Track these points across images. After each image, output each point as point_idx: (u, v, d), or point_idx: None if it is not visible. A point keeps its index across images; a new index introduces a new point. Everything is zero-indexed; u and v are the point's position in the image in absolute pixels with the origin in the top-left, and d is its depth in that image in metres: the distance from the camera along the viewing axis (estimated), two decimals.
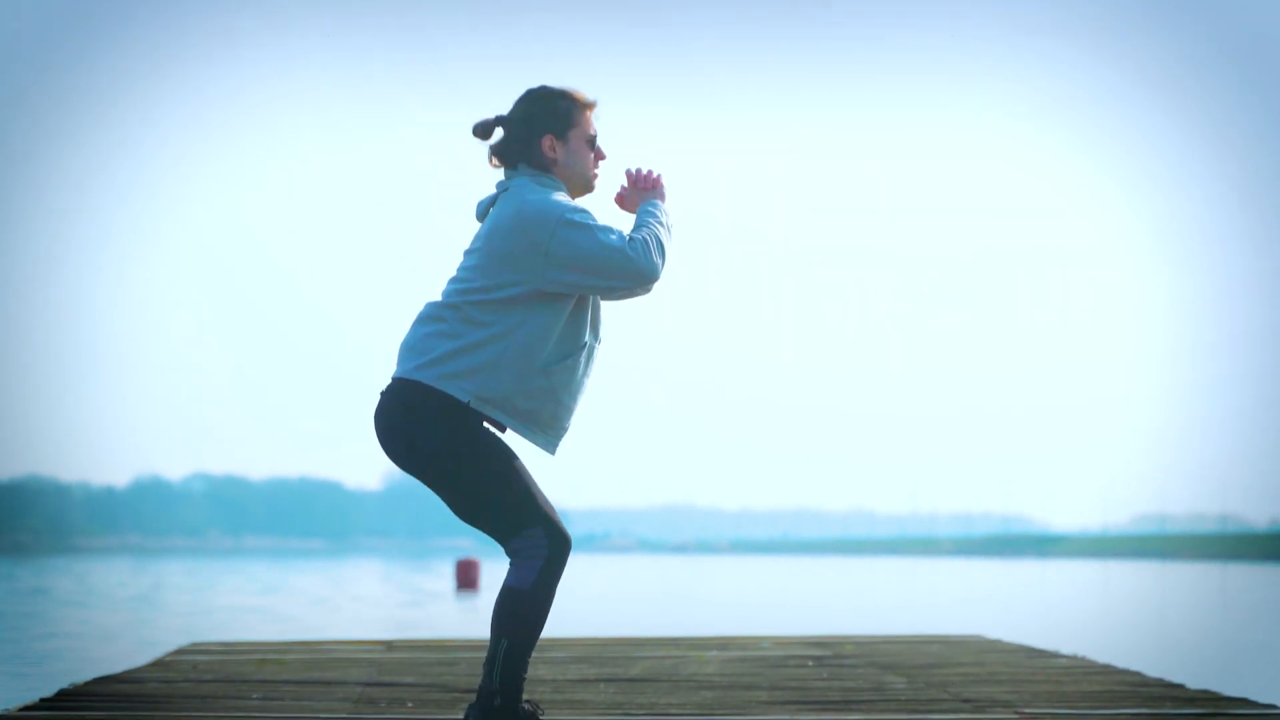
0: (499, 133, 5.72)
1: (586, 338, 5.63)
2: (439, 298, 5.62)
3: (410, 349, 5.58)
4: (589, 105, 5.72)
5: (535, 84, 5.73)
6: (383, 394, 5.60)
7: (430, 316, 5.59)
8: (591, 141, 5.72)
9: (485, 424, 5.56)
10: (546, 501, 5.57)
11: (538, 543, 5.52)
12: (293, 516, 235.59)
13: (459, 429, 5.48)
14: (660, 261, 5.54)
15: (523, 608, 5.51)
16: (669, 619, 26.26)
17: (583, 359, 5.62)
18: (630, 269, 5.48)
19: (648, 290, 5.62)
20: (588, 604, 32.54)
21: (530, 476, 5.58)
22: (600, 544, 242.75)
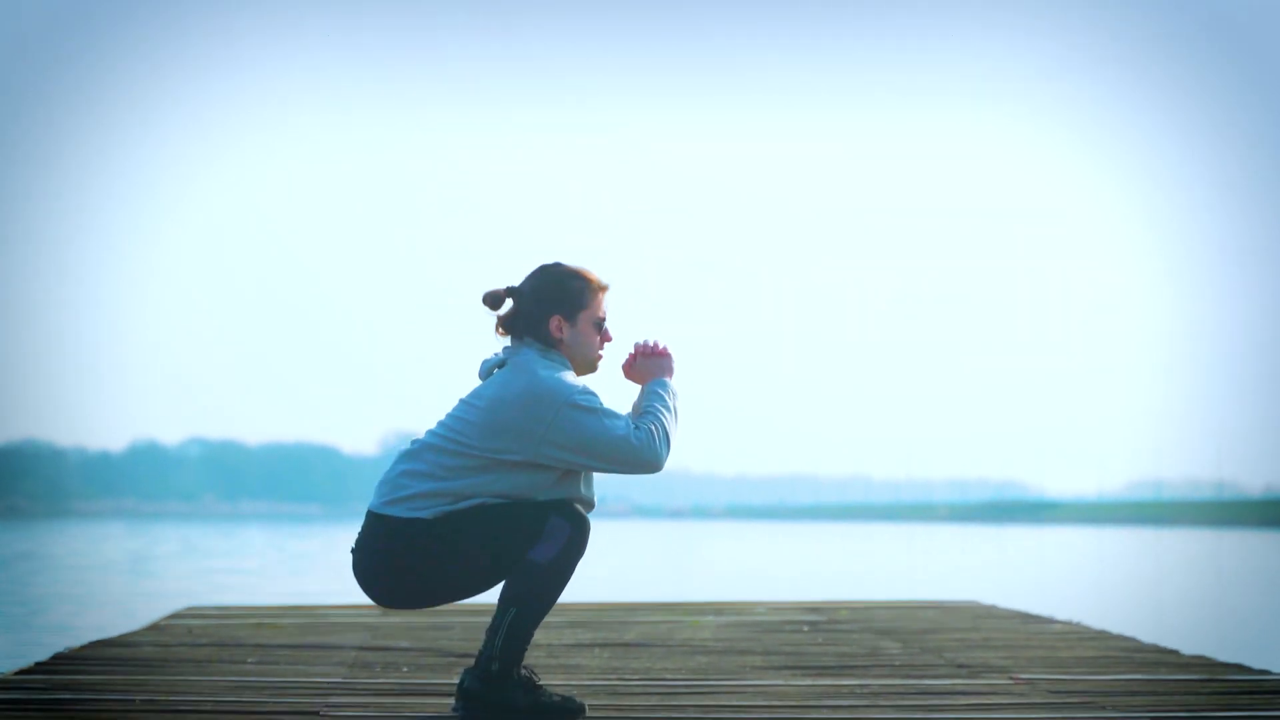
0: (508, 304, 5.68)
1: (583, 492, 5.61)
2: (423, 436, 5.60)
3: (385, 484, 5.58)
4: (601, 288, 5.67)
5: (550, 261, 5.68)
6: (356, 542, 5.59)
7: (411, 454, 5.56)
8: (599, 325, 5.67)
9: None
10: (551, 495, 5.54)
11: (560, 528, 5.52)
12: (289, 481, 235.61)
13: (431, 534, 5.46)
14: (664, 451, 5.52)
15: (538, 580, 5.50)
16: (664, 584, 26.29)
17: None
18: (634, 459, 5.47)
19: (644, 473, 5.61)
20: (583, 569, 32.49)
21: (515, 496, 5.55)
22: (595, 509, 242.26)
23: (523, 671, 5.57)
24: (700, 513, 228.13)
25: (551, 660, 7.44)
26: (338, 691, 6.35)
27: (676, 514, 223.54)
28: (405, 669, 7.15)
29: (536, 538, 5.49)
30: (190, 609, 10.89)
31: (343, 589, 24.10)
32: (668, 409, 5.61)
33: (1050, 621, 9.76)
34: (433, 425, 5.61)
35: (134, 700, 6.03)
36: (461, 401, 5.60)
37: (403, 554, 5.47)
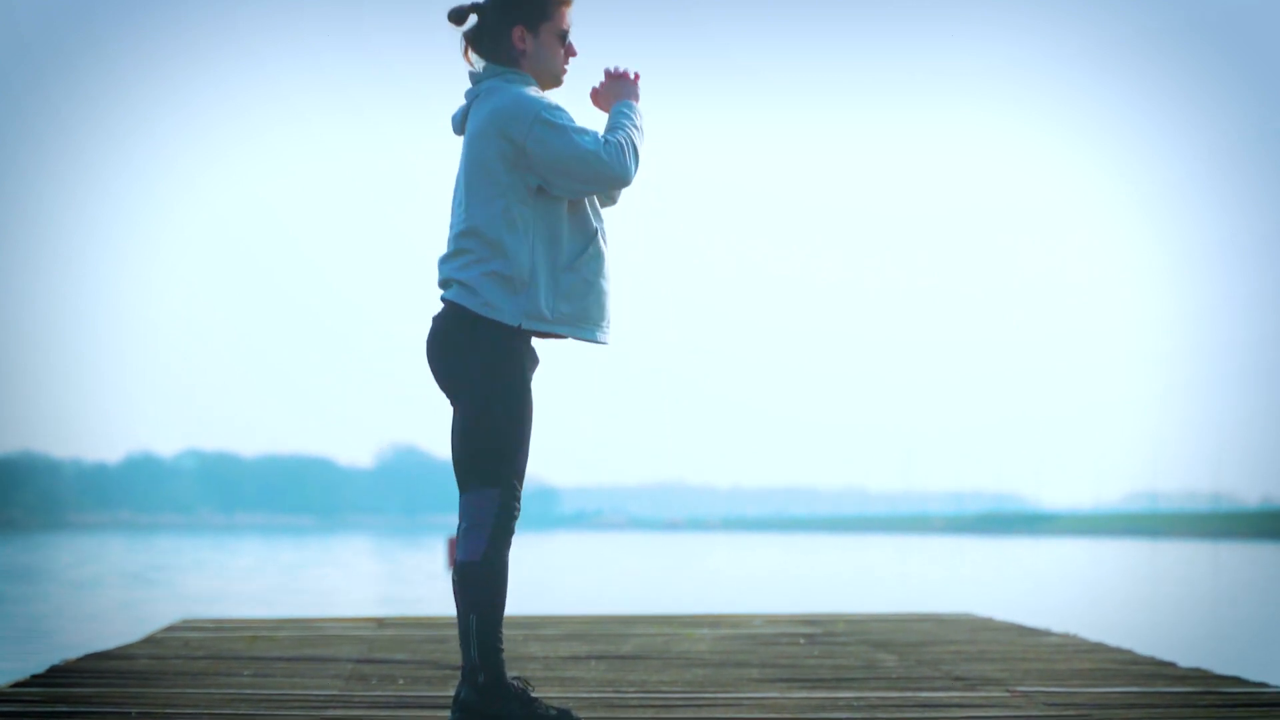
0: (472, 19, 5.68)
1: (594, 223, 5.62)
2: (453, 221, 5.61)
3: (449, 276, 5.56)
4: (565, 1, 5.67)
5: None
6: (435, 319, 5.59)
7: (455, 246, 5.55)
8: (563, 37, 5.66)
9: (535, 342, 5.58)
10: (521, 469, 5.57)
11: (486, 508, 5.52)
12: (284, 493, 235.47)
13: (505, 360, 5.49)
14: (633, 165, 5.52)
15: (479, 579, 5.51)
16: (660, 597, 26.29)
17: (600, 243, 5.62)
18: (604, 173, 5.46)
19: (618, 191, 5.63)
20: (579, 582, 32.56)
21: (528, 437, 5.59)
22: (592, 521, 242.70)
23: (516, 682, 5.56)
24: (696, 525, 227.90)
25: (548, 673, 7.43)
26: (334, 704, 6.35)
27: (673, 526, 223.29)
28: (402, 681, 7.14)
29: (483, 477, 5.50)
30: (186, 621, 10.88)
31: (338, 602, 24.09)
32: (635, 127, 5.60)
33: (1047, 634, 9.75)
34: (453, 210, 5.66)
35: (130, 713, 6.03)
36: (460, 171, 5.62)
37: (472, 353, 5.50)
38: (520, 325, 5.48)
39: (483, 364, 5.50)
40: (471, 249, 5.52)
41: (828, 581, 34.84)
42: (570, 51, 5.69)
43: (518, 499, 5.56)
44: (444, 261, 5.60)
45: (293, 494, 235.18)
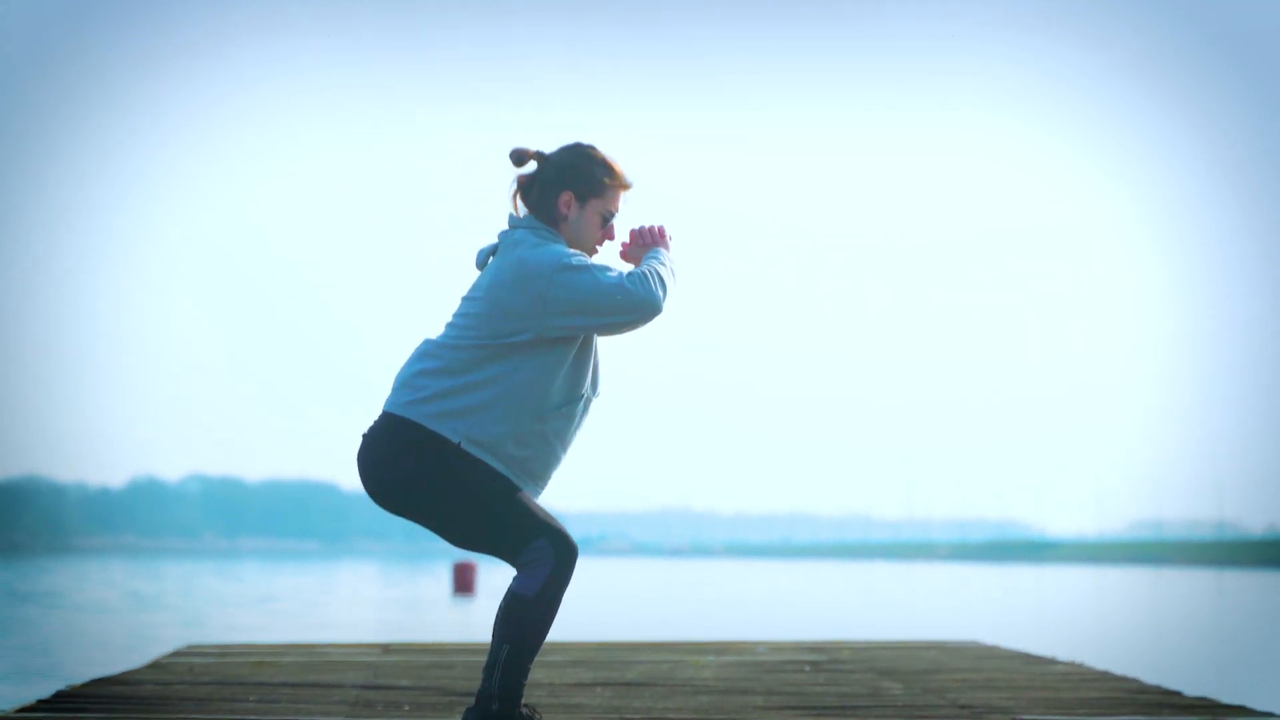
0: (531, 166, 5.69)
1: (586, 389, 5.60)
2: (436, 336, 5.59)
3: (403, 385, 5.53)
4: (624, 186, 5.66)
5: (590, 141, 5.67)
6: (368, 431, 5.56)
7: (426, 354, 5.53)
8: (607, 218, 5.66)
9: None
10: (547, 514, 5.54)
11: (544, 553, 5.49)
12: (288, 518, 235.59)
13: (448, 466, 5.44)
14: (661, 292, 5.47)
15: (526, 614, 5.48)
16: (665, 623, 26.25)
17: (579, 409, 5.59)
18: (630, 302, 5.42)
19: (648, 321, 5.56)
20: (584, 608, 32.52)
21: (525, 494, 5.55)
22: (595, 547, 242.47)
23: (524, 710, 5.56)
24: (700, 551, 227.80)
25: (553, 699, 7.42)
26: None
27: (676, 552, 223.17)
28: (407, 708, 7.13)
29: (519, 547, 5.47)
30: (191, 647, 10.87)
31: (344, 627, 24.07)
32: (663, 264, 5.58)
33: (1053, 662, 9.73)
34: (440, 329, 5.61)
35: None
36: (463, 299, 5.60)
37: (412, 465, 5.44)
38: (460, 444, 5.43)
39: (423, 469, 5.45)
40: (442, 357, 5.48)
41: (832, 608, 34.79)
42: (608, 234, 5.68)
43: (567, 536, 5.54)
44: (413, 359, 5.56)
45: (297, 519, 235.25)
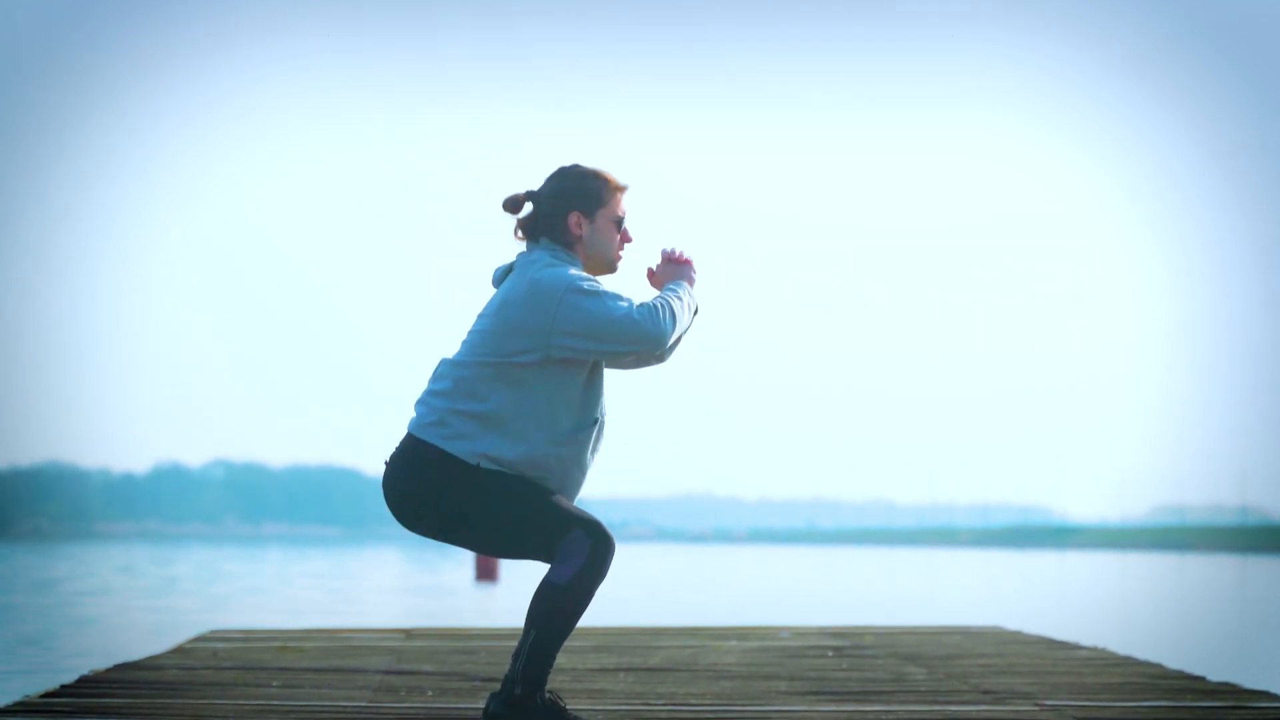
0: (528, 208, 5.70)
1: (599, 412, 5.61)
2: (451, 355, 5.61)
3: (420, 404, 5.59)
4: (620, 188, 5.68)
5: (568, 163, 5.69)
6: (391, 456, 5.61)
7: (440, 374, 5.58)
8: (619, 223, 5.68)
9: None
10: (581, 510, 5.55)
11: (579, 543, 5.50)
12: (311, 504, 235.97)
13: (469, 481, 5.48)
14: (669, 328, 5.48)
15: (556, 603, 5.49)
16: (687, 608, 26.26)
17: (594, 434, 5.60)
18: (636, 333, 5.43)
19: (657, 358, 5.58)
20: (607, 592, 32.51)
21: (552, 492, 5.57)
22: (618, 533, 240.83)
23: (547, 695, 5.57)
24: (723, 536, 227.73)
25: (576, 684, 7.43)
26: (363, 716, 6.34)
27: (699, 538, 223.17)
28: (430, 693, 7.14)
29: (555, 542, 5.48)
30: (215, 632, 10.89)
31: (367, 613, 24.11)
32: (678, 299, 5.59)
33: (1076, 647, 9.72)
34: (457, 347, 5.65)
35: None
36: (477, 316, 5.63)
37: (433, 486, 5.49)
38: (478, 465, 5.46)
39: (444, 488, 5.48)
40: (459, 380, 5.51)
41: (855, 594, 34.78)
42: (625, 238, 5.69)
43: (604, 528, 5.54)
44: (432, 381, 5.60)
45: (320, 505, 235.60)
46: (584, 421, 5.56)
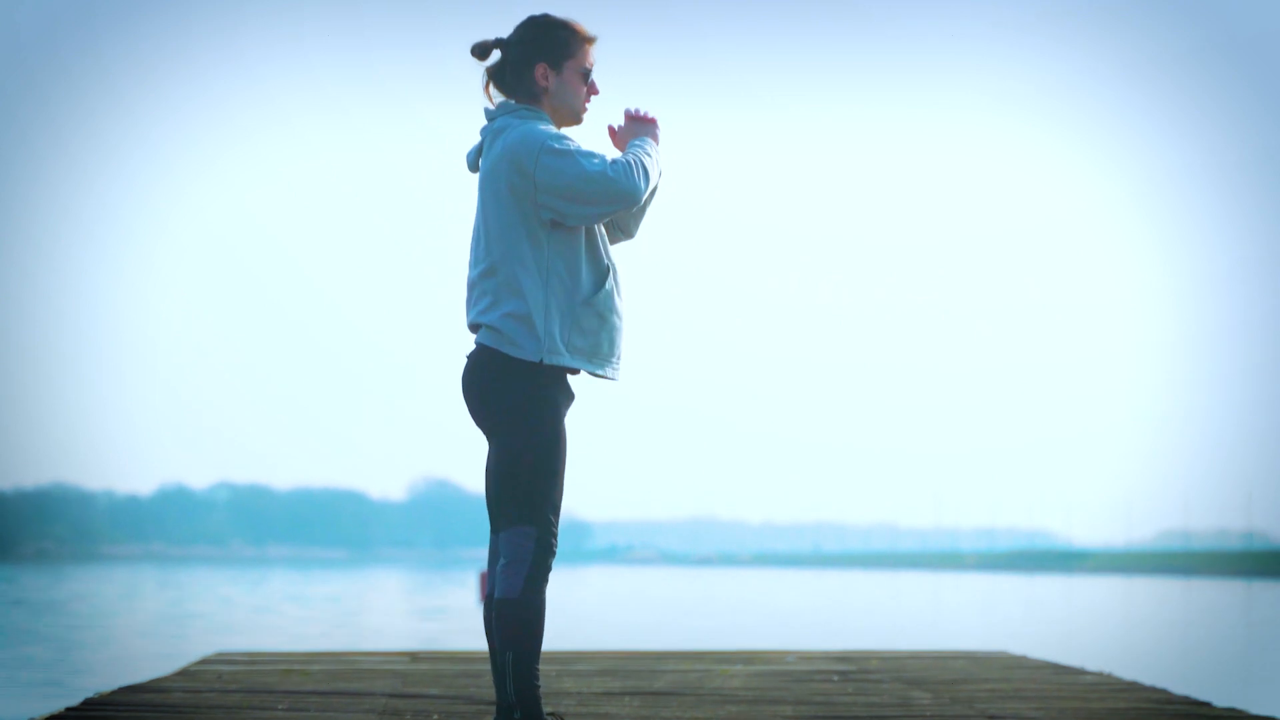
0: (496, 55, 5.73)
1: (607, 260, 5.67)
2: (474, 270, 5.67)
3: (476, 320, 5.63)
4: (589, 39, 5.72)
5: (538, 11, 5.74)
6: (468, 358, 5.66)
7: (478, 288, 5.62)
8: (586, 75, 5.71)
9: (558, 379, 5.61)
10: (557, 505, 5.59)
11: (524, 545, 5.55)
12: (316, 526, 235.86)
13: (536, 399, 5.54)
14: (642, 183, 5.53)
15: (520, 619, 5.53)
16: (693, 632, 26.24)
17: (613, 280, 5.66)
18: (610, 190, 5.47)
19: (629, 212, 5.65)
20: (611, 616, 32.53)
21: (563, 474, 5.61)
22: (623, 556, 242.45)
23: (550, 717, 5.57)
24: (727, 560, 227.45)
25: (582, 709, 7.43)
26: None
27: (704, 561, 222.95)
28: (436, 716, 7.14)
29: (517, 521, 5.55)
30: (220, 654, 10.89)
31: (372, 635, 24.10)
32: (648, 155, 5.64)
33: (1082, 672, 9.72)
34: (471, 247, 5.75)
35: None
36: (476, 214, 5.69)
37: (503, 390, 5.56)
38: (542, 360, 5.51)
39: (513, 404, 5.55)
40: (491, 290, 5.57)
41: (860, 618, 34.75)
42: (592, 90, 5.75)
43: (554, 536, 5.59)
44: (470, 305, 5.67)
45: (325, 527, 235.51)
46: (601, 274, 5.64)
